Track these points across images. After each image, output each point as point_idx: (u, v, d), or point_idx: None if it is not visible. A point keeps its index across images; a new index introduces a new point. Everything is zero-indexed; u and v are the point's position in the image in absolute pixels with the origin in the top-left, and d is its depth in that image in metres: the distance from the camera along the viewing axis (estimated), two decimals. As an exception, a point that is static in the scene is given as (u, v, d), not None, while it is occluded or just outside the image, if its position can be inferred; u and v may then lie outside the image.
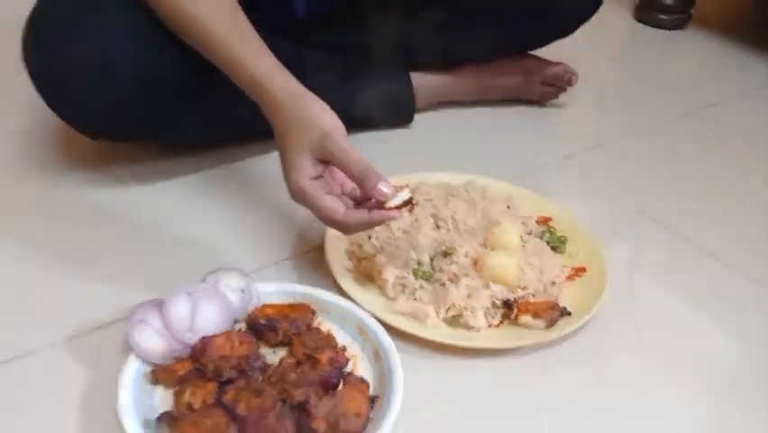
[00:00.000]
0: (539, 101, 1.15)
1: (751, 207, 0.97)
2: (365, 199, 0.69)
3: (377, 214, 0.67)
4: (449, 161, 0.97)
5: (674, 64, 1.43)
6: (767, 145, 1.13)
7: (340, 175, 0.70)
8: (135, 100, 0.78)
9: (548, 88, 1.13)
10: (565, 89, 1.14)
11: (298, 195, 0.69)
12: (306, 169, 0.68)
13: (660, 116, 1.18)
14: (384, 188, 0.66)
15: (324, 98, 0.71)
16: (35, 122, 0.98)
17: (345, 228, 0.70)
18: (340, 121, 0.69)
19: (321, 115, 0.69)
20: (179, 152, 0.94)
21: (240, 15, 0.74)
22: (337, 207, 0.68)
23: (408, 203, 0.68)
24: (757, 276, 0.83)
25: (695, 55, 1.46)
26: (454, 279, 0.73)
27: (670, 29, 1.50)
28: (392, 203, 0.67)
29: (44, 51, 0.77)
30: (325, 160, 0.68)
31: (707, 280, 0.83)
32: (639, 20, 1.53)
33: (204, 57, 0.75)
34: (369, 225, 0.70)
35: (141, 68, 0.77)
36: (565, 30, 1.09)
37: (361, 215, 0.68)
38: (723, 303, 0.80)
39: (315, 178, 0.68)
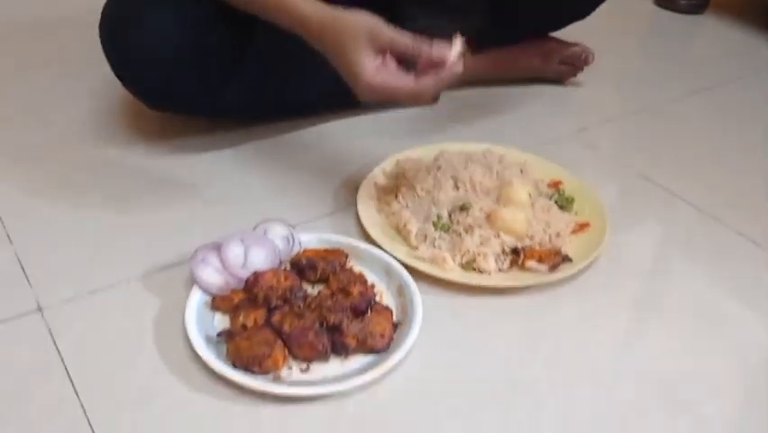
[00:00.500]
0: (558, 80, 1.25)
1: (752, 176, 1.05)
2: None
3: (445, 72, 0.75)
4: (470, 134, 1.07)
5: (690, 46, 1.51)
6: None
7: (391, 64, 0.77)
8: (189, 73, 0.91)
9: (566, 67, 1.23)
10: (582, 69, 1.23)
11: (369, 91, 0.76)
12: (368, 64, 0.75)
13: (673, 94, 1.26)
14: (440, 49, 0.74)
15: None
16: (110, 101, 1.12)
17: (422, 94, 0.76)
18: (375, 16, 0.77)
19: (360, 17, 0.77)
20: (231, 125, 1.07)
21: None
22: (408, 81, 0.75)
23: (462, 52, 0.75)
24: (751, 234, 0.92)
25: (711, 38, 1.53)
26: (469, 230, 0.84)
27: (688, 14, 1.58)
28: (452, 57, 0.74)
29: (115, 32, 0.90)
30: (379, 48, 0.76)
31: (703, 236, 0.92)
32: (659, 5, 1.61)
33: (249, 16, 0.85)
34: (442, 82, 0.76)
35: (194, 44, 0.90)
36: (583, 11, 1.17)
37: (431, 76, 0.75)
38: (717, 256, 0.88)
39: (377, 69, 0.76)
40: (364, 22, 0.77)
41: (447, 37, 0.78)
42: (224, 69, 0.94)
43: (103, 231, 0.87)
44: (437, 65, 0.75)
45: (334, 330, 0.70)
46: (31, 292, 0.77)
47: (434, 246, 0.84)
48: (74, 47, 1.28)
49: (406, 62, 0.77)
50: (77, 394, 0.66)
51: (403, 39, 0.76)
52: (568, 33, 1.22)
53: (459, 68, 0.76)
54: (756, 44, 1.48)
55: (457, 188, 0.91)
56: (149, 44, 0.88)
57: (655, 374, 0.72)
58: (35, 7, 1.47)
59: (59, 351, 0.70)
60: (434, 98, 0.79)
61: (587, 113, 1.19)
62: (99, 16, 0.91)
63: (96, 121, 1.09)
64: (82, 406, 0.65)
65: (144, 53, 0.88)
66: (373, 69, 0.76)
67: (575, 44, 1.21)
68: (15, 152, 1.01)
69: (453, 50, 0.75)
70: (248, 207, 0.92)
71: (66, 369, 0.68)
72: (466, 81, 1.20)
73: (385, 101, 0.79)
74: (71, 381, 0.67)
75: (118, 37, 0.90)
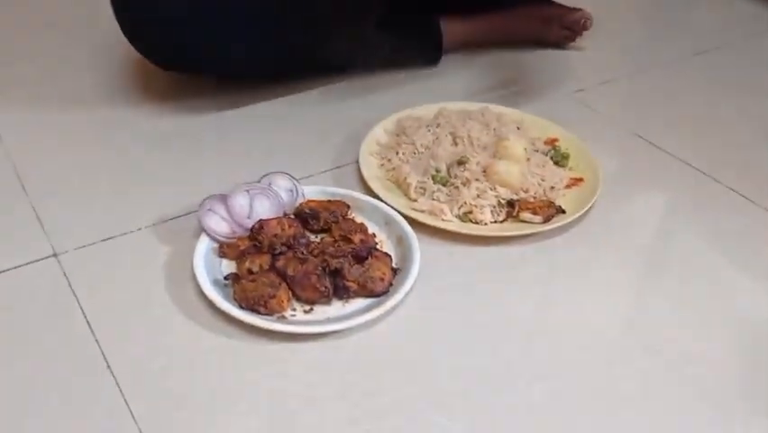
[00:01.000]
0: (558, 44, 1.27)
1: (744, 135, 1.07)
2: None
3: None
4: (470, 97, 1.10)
5: (691, 9, 1.51)
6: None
7: None
8: (197, 32, 0.94)
9: (566, 32, 1.24)
10: (582, 34, 1.25)
11: None
12: None
13: (671, 56, 1.28)
14: None
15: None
16: (122, 61, 1.15)
17: None
18: None
19: None
20: (236, 85, 1.09)
21: None
22: None
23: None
24: (743, 189, 0.94)
25: (711, 3, 1.54)
26: (466, 183, 0.87)
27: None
28: None
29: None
30: None
31: (694, 192, 0.94)
32: (662, -29, 1.62)
33: None
34: None
35: (202, 3, 0.92)
36: None
37: None
38: (708, 211, 0.91)
39: None
40: None
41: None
42: (232, 28, 0.97)
43: (114, 183, 0.91)
44: None
45: (336, 274, 0.74)
46: (46, 239, 0.81)
47: (433, 198, 0.87)
48: (86, 5, 1.31)
49: None
50: (92, 331, 0.70)
51: None
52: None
53: None
54: (756, 11, 1.49)
55: (455, 143, 0.94)
56: (158, 3, 0.90)
57: (642, 319, 0.75)
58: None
59: (74, 293, 0.74)
60: None
61: (585, 74, 1.21)
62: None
63: (108, 80, 1.12)
64: (97, 342, 0.69)
65: (153, 12, 0.91)
66: None
67: (575, 9, 1.23)
68: (29, 109, 1.05)
69: None
70: (253, 163, 0.95)
71: (81, 309, 0.72)
72: (468, 44, 1.22)
73: None
74: (87, 319, 0.71)
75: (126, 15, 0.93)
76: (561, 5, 1.24)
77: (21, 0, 1.36)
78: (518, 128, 0.98)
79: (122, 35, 0.97)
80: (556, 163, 0.94)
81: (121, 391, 0.64)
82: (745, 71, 1.25)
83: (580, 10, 1.24)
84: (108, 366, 0.66)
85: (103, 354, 0.68)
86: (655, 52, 1.30)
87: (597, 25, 1.25)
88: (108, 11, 0.96)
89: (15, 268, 0.77)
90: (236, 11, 0.96)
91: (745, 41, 1.35)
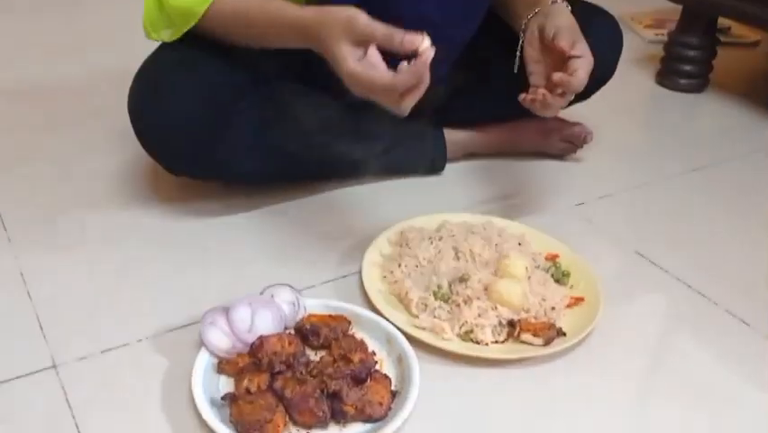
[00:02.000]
0: (559, 155, 1.30)
1: (746, 256, 1.08)
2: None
3: (418, 61, 0.77)
4: (473, 206, 1.12)
5: (690, 124, 1.56)
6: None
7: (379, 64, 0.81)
8: (210, 143, 0.97)
9: (567, 145, 1.28)
10: (582, 146, 1.28)
11: (353, 79, 0.81)
12: (349, 54, 0.80)
13: (672, 171, 1.31)
14: (410, 36, 0.77)
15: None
16: (132, 162, 1.18)
17: (398, 96, 0.79)
18: (357, 9, 0.81)
19: (339, 10, 0.82)
20: (243, 190, 1.12)
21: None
22: (386, 73, 0.79)
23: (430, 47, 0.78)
24: (741, 313, 0.95)
25: (711, 116, 1.58)
26: (468, 301, 0.88)
27: (688, 92, 1.64)
28: (423, 45, 0.77)
29: (143, 102, 0.97)
30: (358, 40, 0.80)
31: (693, 314, 0.95)
32: (660, 84, 1.67)
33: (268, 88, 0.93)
34: (417, 76, 0.78)
35: (216, 119, 0.96)
36: (586, 93, 1.23)
37: (406, 68, 0.78)
38: (706, 334, 0.91)
39: (359, 60, 0.80)
40: (342, 13, 0.82)
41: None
42: (243, 138, 1.00)
43: (118, 290, 0.92)
44: (411, 57, 0.78)
45: (334, 397, 0.73)
46: (47, 349, 0.81)
47: (434, 316, 0.87)
48: (102, 107, 1.35)
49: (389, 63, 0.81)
50: (85, 451, 0.69)
51: (378, 28, 0.79)
52: (571, 109, 1.28)
53: (432, 51, 0.78)
54: (754, 124, 1.53)
55: (457, 258, 0.95)
56: (173, 115, 0.94)
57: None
58: (68, 66, 1.55)
59: (70, 407, 0.74)
60: (405, 106, 0.81)
61: (585, 187, 1.23)
62: (130, 81, 0.98)
63: (117, 181, 1.15)
64: (90, 463, 0.68)
65: (169, 123, 0.95)
66: (354, 58, 0.81)
67: (575, 123, 1.27)
68: (38, 209, 1.07)
69: (424, 42, 0.78)
70: (257, 271, 0.96)
71: (76, 425, 0.72)
72: (470, 154, 1.26)
73: (367, 96, 0.82)
74: (81, 437, 0.70)
75: (144, 107, 0.97)
76: (561, 119, 1.28)
77: (38, 100, 1.41)
78: (520, 244, 0.99)
79: (134, 135, 1.01)
80: (557, 281, 0.95)
81: None
82: (742, 188, 1.27)
83: (579, 124, 1.27)
84: (99, 491, 0.65)
85: (95, 477, 0.67)
86: (655, 166, 1.33)
87: (597, 137, 1.28)
88: (124, 110, 0.99)
89: (14, 379, 0.77)
90: (246, 122, 1.00)
91: (742, 156, 1.38)
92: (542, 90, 0.95)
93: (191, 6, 0.93)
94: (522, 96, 0.97)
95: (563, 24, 0.99)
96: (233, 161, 1.01)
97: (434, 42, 0.79)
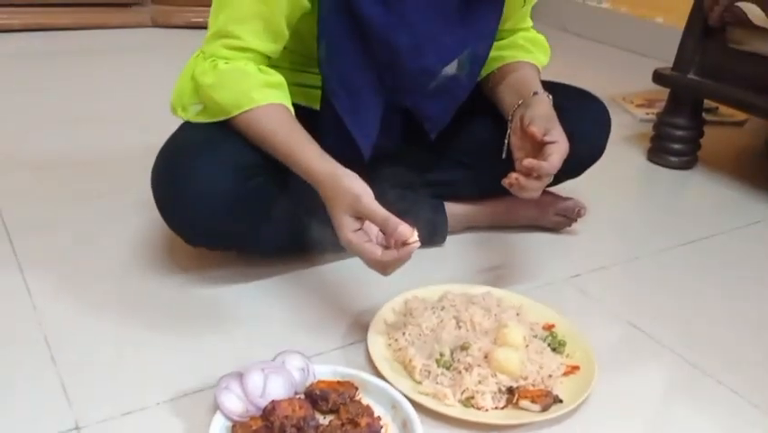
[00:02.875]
0: (554, 229, 1.36)
1: (735, 327, 1.13)
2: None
3: (404, 250, 0.90)
4: (473, 276, 1.18)
5: (681, 199, 1.64)
6: (761, 274, 1.30)
7: (374, 228, 0.93)
8: (229, 219, 1.04)
9: (561, 219, 1.35)
10: (576, 220, 1.35)
11: (347, 245, 0.93)
12: (348, 225, 0.92)
13: (663, 244, 1.37)
14: (402, 228, 0.89)
15: None
16: (150, 236, 1.25)
17: (383, 265, 0.92)
18: (366, 186, 0.93)
19: (351, 185, 0.93)
20: (257, 260, 1.18)
21: (295, 125, 1.01)
22: (376, 250, 0.91)
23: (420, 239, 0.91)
24: (732, 384, 0.99)
25: (699, 192, 1.66)
26: (469, 368, 0.92)
27: (678, 169, 1.72)
28: (411, 239, 0.89)
29: (166, 178, 1.04)
30: (359, 214, 0.92)
31: (685, 384, 0.99)
32: (651, 161, 1.75)
33: (277, 165, 1.02)
34: (400, 260, 0.91)
35: (235, 196, 1.03)
36: (575, 171, 1.30)
37: (392, 253, 0.90)
38: (698, 404, 0.95)
39: (356, 230, 0.92)
40: (353, 189, 0.93)
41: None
42: (262, 213, 1.07)
43: (138, 356, 0.96)
44: (400, 244, 0.91)
45: (343, 459, 0.77)
46: (70, 412, 0.85)
47: (437, 382, 0.92)
48: (122, 180, 1.43)
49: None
50: None
51: (378, 213, 0.91)
52: (564, 185, 1.35)
53: (417, 245, 0.91)
54: (742, 199, 1.60)
55: (459, 327, 1.00)
56: (196, 191, 1.01)
57: None
58: (90, 140, 1.64)
59: (92, 468, 0.78)
60: (388, 273, 0.93)
61: (579, 259, 1.29)
62: (150, 155, 1.05)
63: (140, 253, 1.21)
64: None
65: (191, 200, 1.01)
66: (350, 229, 0.92)
67: (568, 198, 1.34)
68: (65, 279, 1.12)
69: (412, 237, 0.90)
70: (269, 338, 1.01)
71: (98, 486, 0.75)
72: (470, 227, 1.32)
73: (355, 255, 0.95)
74: (102, 497, 0.74)
75: (168, 183, 1.03)
76: (555, 194, 1.35)
77: (60, 172, 1.49)
78: (518, 314, 1.05)
79: (154, 211, 1.07)
80: (554, 350, 1.00)
81: None
82: (730, 261, 1.33)
83: (572, 199, 1.34)
84: None
85: None
86: (647, 240, 1.39)
87: (591, 211, 1.35)
88: (147, 186, 1.06)
89: (38, 440, 0.81)
90: (263, 197, 1.07)
91: (731, 231, 1.45)
92: (515, 174, 1.06)
93: (226, 106, 1.01)
94: (503, 180, 1.07)
95: (539, 113, 1.10)
96: (250, 234, 1.08)
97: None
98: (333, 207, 0.94)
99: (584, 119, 1.21)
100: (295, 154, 0.99)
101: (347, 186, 0.93)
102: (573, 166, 1.24)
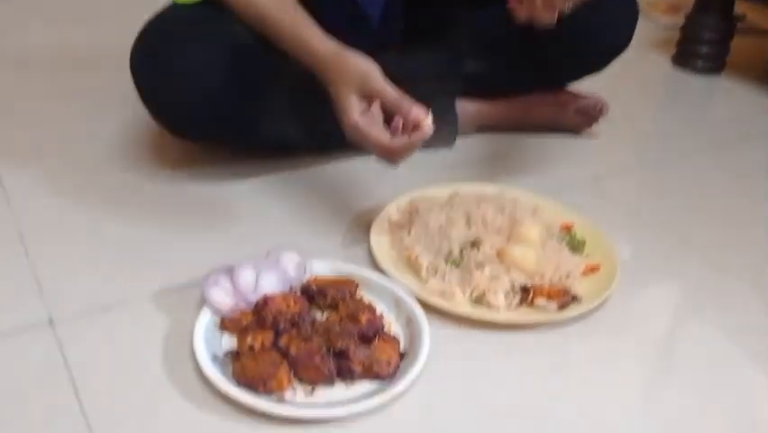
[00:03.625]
0: (573, 131, 1.26)
1: (763, 231, 1.05)
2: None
3: (415, 135, 0.81)
4: (485, 178, 1.09)
5: (705, 106, 1.53)
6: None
7: (379, 117, 0.83)
8: (219, 103, 0.94)
9: (582, 118, 1.24)
10: (597, 120, 1.25)
11: (354, 130, 0.82)
12: (356, 106, 0.83)
13: (688, 149, 1.27)
14: (416, 109, 0.80)
15: None
16: (134, 130, 1.16)
17: (392, 153, 0.82)
18: (375, 63, 0.84)
19: (358, 62, 0.84)
20: (251, 156, 1.09)
21: (296, 5, 0.91)
22: (385, 135, 0.81)
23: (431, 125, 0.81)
24: (759, 285, 0.92)
25: (726, 99, 1.55)
26: (480, 265, 0.84)
27: (705, 74, 1.60)
28: (425, 123, 0.80)
29: (148, 61, 0.94)
30: (368, 94, 0.82)
31: (710, 285, 0.91)
32: (677, 66, 1.64)
33: (271, 47, 0.92)
34: (411, 146, 0.82)
35: (228, 77, 0.93)
36: (599, 64, 1.20)
37: (403, 138, 0.81)
38: (723, 305, 0.88)
39: (363, 113, 0.82)
40: (360, 66, 0.84)
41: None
42: (256, 99, 0.98)
43: (119, 251, 0.89)
44: (412, 128, 0.81)
45: (341, 355, 0.70)
46: (43, 306, 0.78)
47: (444, 280, 0.84)
48: (113, 78, 1.32)
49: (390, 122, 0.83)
50: (81, 407, 0.66)
51: (390, 91, 0.82)
52: (586, 88, 1.25)
53: (430, 131, 0.82)
54: (770, 104, 1.50)
55: (469, 225, 0.92)
56: (184, 73, 0.92)
57: (660, 420, 0.71)
58: (72, 37, 1.54)
59: (66, 364, 0.71)
60: (397, 162, 0.84)
61: (600, 162, 1.20)
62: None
63: (123, 147, 1.12)
64: (86, 419, 0.65)
65: (178, 81, 0.92)
66: (358, 111, 0.83)
67: (590, 96, 1.23)
68: (42, 172, 1.04)
69: (427, 120, 0.81)
70: (263, 236, 0.93)
71: (73, 382, 0.69)
72: (482, 127, 1.23)
73: (360, 146, 0.85)
74: (77, 394, 0.68)
75: (148, 67, 0.94)
76: (575, 92, 1.25)
77: (42, 68, 1.39)
78: (534, 212, 0.96)
79: (138, 105, 0.98)
80: (572, 249, 0.92)
81: (105, 472, 0.60)
82: (758, 167, 1.24)
83: (593, 96, 1.24)
84: (95, 444, 0.63)
85: (91, 431, 0.64)
86: (671, 145, 1.29)
87: (612, 115, 1.25)
88: (126, 82, 0.97)
89: (8, 334, 0.74)
90: (257, 81, 0.97)
91: (759, 137, 1.35)
92: None
93: None
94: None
95: None
96: (243, 123, 0.99)
97: None
98: (339, 87, 0.85)
99: (611, 4, 1.09)
100: (297, 34, 0.90)
101: (354, 63, 0.85)
102: (598, 55, 1.14)
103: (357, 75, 0.84)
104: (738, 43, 1.64)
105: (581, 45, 1.12)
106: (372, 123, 0.83)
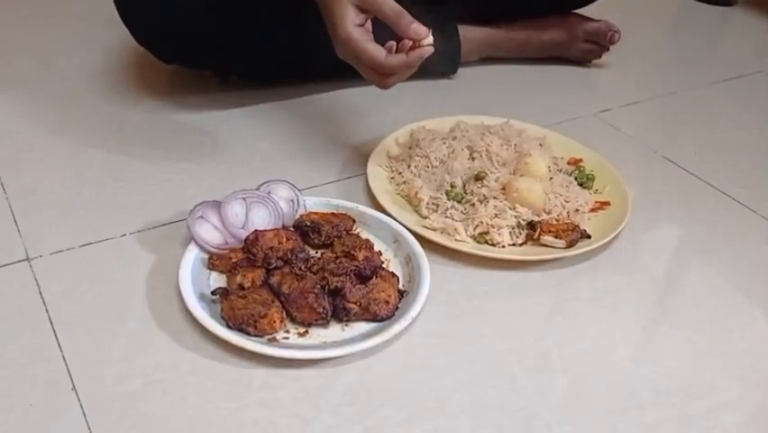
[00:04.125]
0: (582, 60, 1.20)
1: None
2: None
3: (414, 53, 0.74)
4: (488, 111, 1.02)
5: (720, 36, 1.45)
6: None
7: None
8: (207, 20, 0.88)
9: (591, 46, 1.17)
10: (608, 48, 1.18)
11: (346, 42, 0.75)
12: (352, 17, 0.75)
13: (699, 80, 1.21)
14: (416, 25, 0.73)
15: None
16: (123, 55, 1.10)
17: (385, 72, 0.75)
18: None
19: None
20: (242, 85, 1.03)
21: None
22: (380, 51, 0.75)
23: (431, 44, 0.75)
24: (766, 214, 0.87)
25: (740, 30, 1.47)
26: (484, 200, 0.80)
27: (719, 5, 1.53)
28: (425, 41, 0.73)
29: None
30: (364, 6, 0.75)
31: (725, 219, 0.87)
32: (690, -6, 1.56)
33: None
34: (408, 66, 0.75)
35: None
36: None
37: (401, 56, 0.74)
38: (738, 240, 0.83)
39: (358, 26, 0.75)
40: None
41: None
42: (244, 16, 0.91)
43: (101, 185, 0.84)
44: (410, 47, 0.74)
45: (336, 294, 0.66)
46: (20, 242, 0.74)
47: (446, 216, 0.79)
48: (94, 5, 1.25)
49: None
50: (59, 346, 0.62)
51: (390, 4, 0.74)
52: (593, 14, 1.18)
53: (431, 50, 0.75)
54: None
55: (473, 158, 0.87)
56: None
57: (669, 358, 0.67)
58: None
59: (44, 301, 0.67)
60: (389, 84, 0.78)
61: (610, 94, 1.14)
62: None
63: (106, 74, 1.06)
64: (64, 358, 0.61)
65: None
66: (353, 22, 0.75)
67: (600, 21, 1.16)
68: (19, 101, 0.98)
69: (428, 38, 0.74)
70: (254, 169, 0.88)
71: (50, 320, 0.65)
72: (486, 54, 1.16)
73: (353, 63, 0.78)
74: (55, 333, 0.63)
75: None
76: (584, 16, 1.17)
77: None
78: (541, 145, 0.91)
79: (123, 29, 0.91)
80: (581, 185, 0.87)
81: (85, 416, 0.56)
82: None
83: (604, 21, 1.17)
84: (74, 387, 0.59)
85: (69, 372, 0.60)
86: (683, 76, 1.23)
87: (622, 45, 1.18)
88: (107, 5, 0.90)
89: (-18, 271, 0.70)
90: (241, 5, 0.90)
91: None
92: None
93: None
94: None
95: None
96: (231, 44, 0.92)
97: None
98: None
99: None
100: None
101: None
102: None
103: None
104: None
105: None
106: (368, 37, 0.76)
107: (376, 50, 0.75)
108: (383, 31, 0.76)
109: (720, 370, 0.66)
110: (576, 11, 1.17)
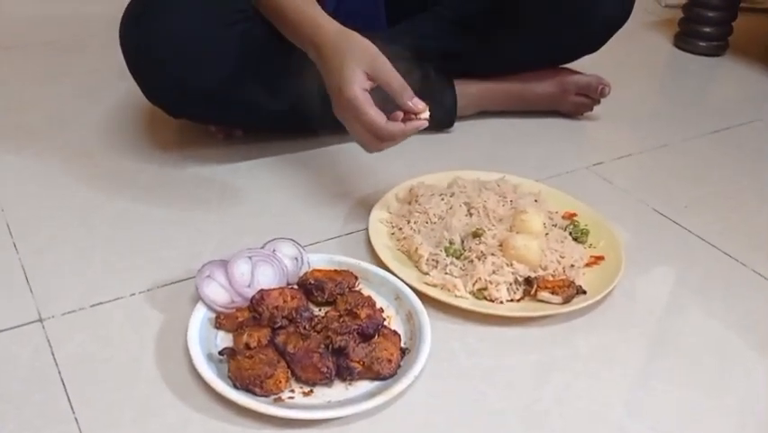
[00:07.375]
0: (574, 113, 1.23)
1: (766, 215, 1.03)
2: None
3: (412, 123, 0.81)
4: (484, 165, 1.06)
5: (708, 87, 1.50)
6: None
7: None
8: (211, 67, 0.92)
9: (583, 99, 1.21)
10: (599, 101, 1.22)
11: (350, 101, 0.80)
12: (361, 80, 0.80)
13: (691, 132, 1.25)
14: (417, 100, 0.81)
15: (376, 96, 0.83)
16: (133, 114, 1.14)
17: (381, 137, 0.81)
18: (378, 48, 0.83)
19: (366, 42, 0.82)
20: (247, 140, 1.06)
21: None
22: (382, 116, 0.80)
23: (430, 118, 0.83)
24: (759, 266, 0.90)
25: (729, 80, 1.52)
26: (482, 257, 0.82)
27: (707, 55, 1.57)
28: (422, 115, 0.81)
29: (136, 31, 0.92)
30: (373, 76, 0.80)
31: (718, 274, 0.89)
32: (678, 47, 1.60)
33: (271, 25, 0.91)
34: (403, 134, 0.82)
35: (220, 38, 0.92)
36: (598, 35, 1.15)
37: (398, 125, 0.81)
38: (731, 295, 0.86)
39: (364, 90, 0.80)
40: (370, 46, 0.83)
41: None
42: (248, 66, 0.95)
43: (110, 243, 0.86)
44: (407, 117, 0.81)
45: (340, 353, 0.68)
46: (32, 302, 0.76)
47: (446, 272, 0.82)
48: (103, 61, 1.30)
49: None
50: (72, 409, 0.64)
51: (397, 77, 0.81)
52: (584, 68, 1.22)
53: (426, 124, 0.83)
54: (774, 87, 1.47)
55: (470, 214, 0.90)
56: (173, 34, 0.89)
57: (666, 414, 0.69)
58: (70, 22, 1.50)
59: (56, 363, 0.69)
60: (380, 149, 0.84)
61: (602, 147, 1.18)
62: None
63: (116, 132, 1.10)
64: (76, 420, 0.63)
65: (167, 45, 0.90)
66: (362, 87, 0.80)
67: (591, 75, 1.20)
68: (31, 161, 1.01)
69: (425, 113, 0.82)
70: (259, 225, 0.91)
71: (63, 382, 0.67)
72: (481, 109, 1.20)
73: (345, 124, 0.84)
74: (67, 395, 0.65)
75: (141, 32, 0.91)
76: (576, 70, 1.22)
77: (31, 52, 1.35)
78: (536, 201, 0.94)
79: (136, 87, 0.95)
80: (575, 239, 0.90)
81: (98, 478, 0.58)
82: (763, 150, 1.21)
83: (594, 75, 1.21)
84: (86, 449, 0.60)
85: (81, 434, 0.62)
86: (674, 128, 1.26)
87: (613, 98, 1.22)
88: (118, 63, 0.94)
89: (-4, 332, 0.72)
90: (248, 46, 0.95)
91: (764, 119, 1.32)
92: None
93: None
94: None
95: None
96: (236, 95, 0.96)
97: None
98: (346, 60, 0.81)
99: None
100: (301, 10, 0.87)
101: (363, 42, 0.82)
102: (598, 25, 1.11)
103: (367, 54, 0.81)
104: (742, 21, 1.61)
105: (581, 14, 1.10)
106: (371, 102, 0.81)
107: (378, 115, 0.80)
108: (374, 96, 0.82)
109: (716, 426, 0.68)
110: (564, 65, 1.22)
